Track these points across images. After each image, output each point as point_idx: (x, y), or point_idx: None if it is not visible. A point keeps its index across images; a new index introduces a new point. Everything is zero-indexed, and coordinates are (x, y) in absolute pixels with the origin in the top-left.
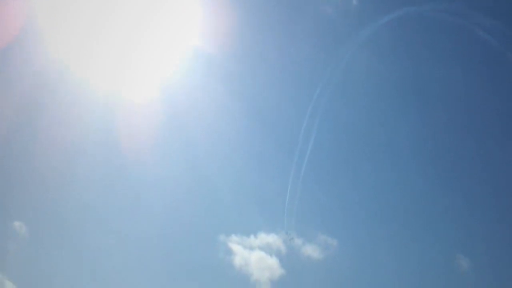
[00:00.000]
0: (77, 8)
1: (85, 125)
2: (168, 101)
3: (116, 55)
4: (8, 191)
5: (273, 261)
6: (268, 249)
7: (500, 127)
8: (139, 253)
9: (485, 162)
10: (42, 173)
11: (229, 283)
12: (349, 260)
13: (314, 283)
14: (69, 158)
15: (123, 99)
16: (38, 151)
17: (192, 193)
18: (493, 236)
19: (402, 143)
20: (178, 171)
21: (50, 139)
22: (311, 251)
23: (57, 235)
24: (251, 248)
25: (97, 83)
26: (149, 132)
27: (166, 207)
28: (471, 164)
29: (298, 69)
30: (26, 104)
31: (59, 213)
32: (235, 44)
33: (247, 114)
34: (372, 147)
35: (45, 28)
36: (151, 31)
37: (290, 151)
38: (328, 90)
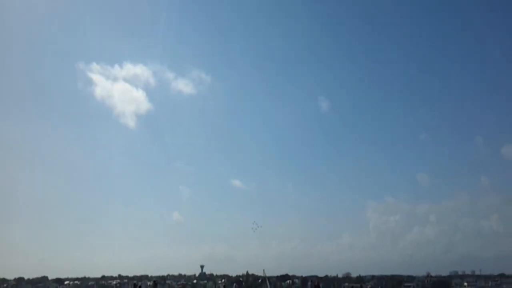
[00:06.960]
0: None
1: None
2: None
3: None
4: None
5: (139, 94)
6: (134, 81)
7: None
8: None
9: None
10: None
11: (89, 115)
12: (221, 96)
13: (183, 117)
14: None
15: None
16: None
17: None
18: (352, 80)
19: None
20: None
21: None
22: (183, 85)
23: None
24: (115, 79)
25: None
26: None
27: None
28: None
29: None
30: None
31: None
32: None
33: None
34: None
35: None
36: None
37: None
38: None
